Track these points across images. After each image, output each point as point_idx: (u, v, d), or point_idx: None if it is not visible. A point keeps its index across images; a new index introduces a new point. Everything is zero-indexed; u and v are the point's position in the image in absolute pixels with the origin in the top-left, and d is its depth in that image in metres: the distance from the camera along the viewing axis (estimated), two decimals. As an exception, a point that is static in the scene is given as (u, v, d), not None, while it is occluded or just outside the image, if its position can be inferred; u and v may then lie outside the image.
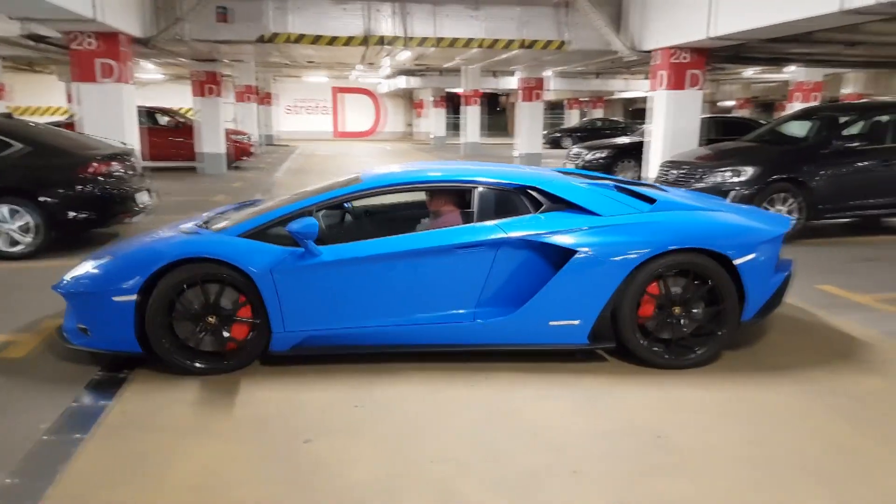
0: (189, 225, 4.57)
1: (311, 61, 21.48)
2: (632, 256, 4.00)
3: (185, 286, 3.93)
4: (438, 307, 4.11)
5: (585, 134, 29.92)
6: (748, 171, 7.99)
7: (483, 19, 11.93)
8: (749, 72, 23.79)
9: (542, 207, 4.27)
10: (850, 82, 24.67)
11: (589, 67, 21.29)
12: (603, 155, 13.99)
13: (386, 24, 11.68)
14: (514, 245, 4.08)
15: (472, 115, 25.03)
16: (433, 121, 32.34)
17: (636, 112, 45.25)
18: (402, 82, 29.75)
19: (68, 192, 6.93)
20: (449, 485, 2.89)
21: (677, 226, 4.17)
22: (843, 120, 8.78)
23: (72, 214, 6.95)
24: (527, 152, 18.06)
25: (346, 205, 5.00)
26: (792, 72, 19.63)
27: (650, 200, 4.41)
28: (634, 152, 13.91)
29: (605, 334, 4.15)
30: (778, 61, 12.69)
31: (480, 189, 4.31)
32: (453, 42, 12.07)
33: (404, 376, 4.02)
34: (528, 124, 18.28)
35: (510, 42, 12.12)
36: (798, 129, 9.81)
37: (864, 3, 6.42)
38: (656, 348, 4.13)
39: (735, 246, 4.12)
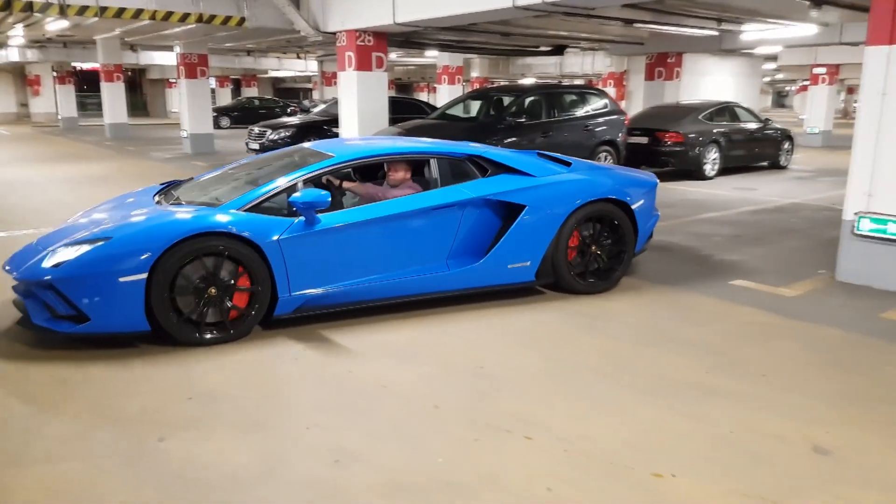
0: (148, 202, 4.76)
1: None
2: (566, 206, 5.07)
3: (188, 261, 4.03)
4: (419, 261, 4.79)
5: (242, 113, 29.50)
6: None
7: (154, -11, 11.18)
8: (392, 55, 25.82)
9: (488, 172, 5.12)
10: (476, 67, 28.34)
11: (243, 45, 21.04)
12: (288, 133, 14.19)
13: (39, -11, 10.26)
14: (475, 204, 4.91)
15: (114, 93, 22.00)
16: (61, 100, 28.04)
17: (285, 91, 45.70)
18: (13, 54, 24.86)
19: None
20: (332, 444, 3.12)
21: (593, 182, 5.32)
22: (507, 101, 10.40)
23: None
24: (197, 132, 17.31)
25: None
26: (435, 56, 21.90)
27: (566, 164, 5.54)
28: (317, 130, 14.44)
29: (545, 272, 5.15)
30: (443, 47, 14.20)
31: (437, 159, 5.05)
32: (120, 12, 11.09)
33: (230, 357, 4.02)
34: (195, 103, 17.48)
35: (186, 15, 11.56)
36: (469, 108, 11.30)
37: (532, 1, 7.75)
38: (583, 280, 5.26)
39: (631, 195, 5.38)
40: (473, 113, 11.15)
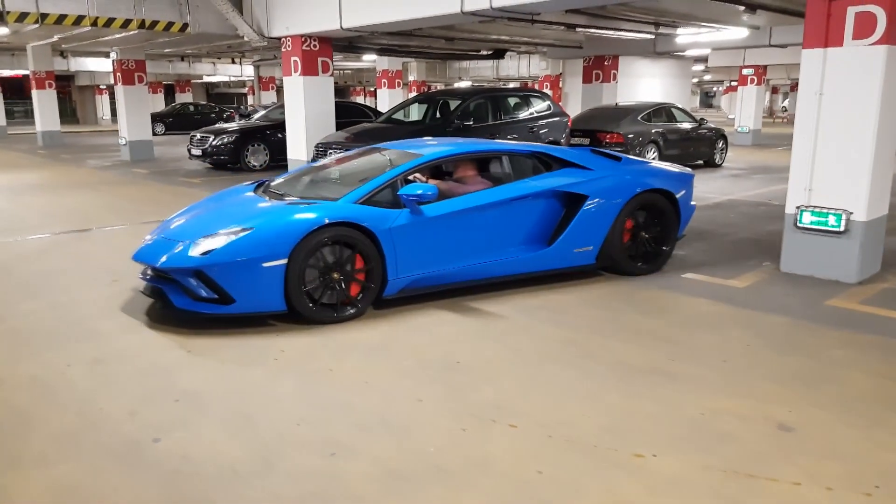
0: (258, 195, 5.34)
1: None
2: (622, 196, 5.65)
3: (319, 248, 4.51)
4: (501, 246, 5.34)
5: (176, 119, 28.85)
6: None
7: (93, -5, 10.91)
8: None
9: (553, 167, 5.66)
10: (413, 70, 28.45)
11: (181, 50, 20.66)
12: (231, 139, 13.99)
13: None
14: (546, 195, 5.48)
15: (46, 101, 21.45)
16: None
17: (218, 96, 44.86)
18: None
19: None
20: (325, 437, 3.17)
21: (644, 175, 5.95)
22: (454, 104, 10.55)
23: None
24: (136, 139, 16.87)
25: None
26: (373, 60, 21.95)
27: (617, 159, 6.06)
28: (260, 136, 14.30)
29: (603, 256, 5.71)
30: (384, 51, 14.26)
31: (509, 156, 5.68)
32: (61, 19, 10.79)
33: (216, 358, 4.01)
34: (133, 109, 17.02)
35: (128, 22, 11.31)
36: (415, 112, 11.41)
37: (479, 7, 7.92)
38: (635, 263, 5.86)
39: (675, 186, 6.00)
40: (420, 116, 11.26)
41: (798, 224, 5.93)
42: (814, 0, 5.65)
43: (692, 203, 6.38)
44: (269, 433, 3.21)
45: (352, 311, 4.72)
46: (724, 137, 14.77)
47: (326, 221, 4.53)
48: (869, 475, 2.90)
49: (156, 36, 13.22)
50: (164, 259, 4.53)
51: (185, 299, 4.49)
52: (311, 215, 4.57)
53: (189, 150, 14.65)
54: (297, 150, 11.30)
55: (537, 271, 5.50)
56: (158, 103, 34.50)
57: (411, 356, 4.15)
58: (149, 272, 4.81)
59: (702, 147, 14.22)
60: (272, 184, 5.71)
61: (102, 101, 37.97)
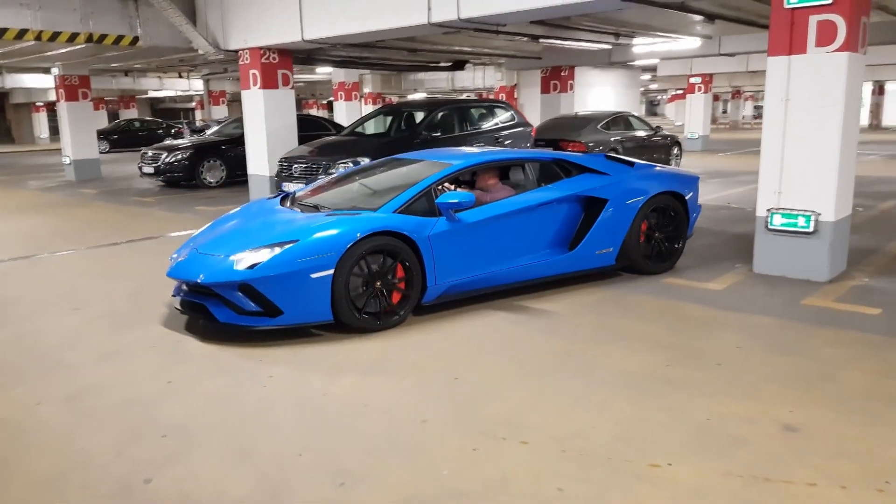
0: (292, 208, 5.41)
1: None
2: (639, 199, 5.93)
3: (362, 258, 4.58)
4: (531, 250, 5.51)
5: (121, 136, 28.14)
6: (365, 161, 9.01)
7: (37, 8, 10.48)
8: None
9: (573, 173, 5.88)
10: (369, 82, 28.34)
11: (129, 65, 20.10)
12: (185, 156, 13.64)
13: None
14: (569, 200, 5.69)
15: None
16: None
17: (164, 111, 43.89)
18: None
19: None
20: (331, 466, 3.05)
21: (657, 178, 6.21)
22: (419, 116, 10.49)
23: None
24: (81, 158, 16.33)
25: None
26: (328, 73, 21.74)
27: (630, 164, 6.31)
28: (215, 151, 13.98)
29: (622, 257, 5.94)
30: (343, 63, 14.11)
31: (531, 164, 5.99)
32: (1, 33, 10.34)
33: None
34: (77, 127, 16.47)
35: (74, 35, 10.91)
36: (379, 124, 11.32)
37: (447, 18, 7.88)
38: (651, 263, 6.10)
39: (684, 188, 6.30)
40: (384, 129, 11.17)
41: (769, 226, 6.05)
42: (777, 9, 5.78)
43: (699, 204, 6.72)
44: (271, 465, 3.06)
45: (395, 319, 4.80)
46: (678, 144, 15.09)
47: (371, 231, 4.62)
48: (878, 472, 2.93)
49: (104, 50, 12.81)
50: (206, 274, 4.55)
51: (228, 313, 4.52)
52: (355, 225, 4.64)
53: (140, 168, 14.22)
54: (259, 165, 11.06)
55: (562, 273, 5.69)
56: (101, 120, 33.55)
57: (409, 374, 4.05)
58: (184, 287, 4.86)
59: (658, 153, 14.47)
60: (298, 195, 5.85)
61: (40, 119, 36.66)
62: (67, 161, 16.45)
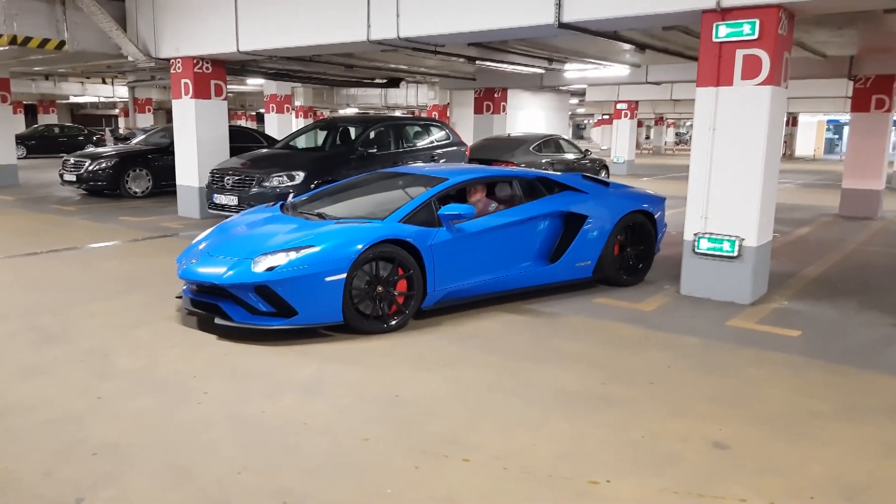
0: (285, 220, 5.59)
1: None
2: (615, 216, 6.40)
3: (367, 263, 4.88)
4: (519, 261, 5.91)
5: (39, 142, 26.95)
6: (300, 176, 8.94)
7: (-46, 6, 9.99)
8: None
9: (555, 190, 6.29)
10: (300, 96, 28.08)
11: (44, 69, 19.31)
12: (110, 164, 13.14)
13: None
14: (553, 215, 6.12)
15: None
16: None
17: (85, 118, 42.27)
18: None
19: None
20: (273, 486, 2.99)
21: (630, 198, 6.78)
22: (355, 132, 10.47)
23: None
24: (-2, 163, 15.56)
25: None
26: (260, 84, 21.46)
27: (605, 184, 6.88)
28: (141, 161, 13.55)
29: (598, 270, 6.40)
30: (277, 76, 13.94)
31: (517, 180, 6.31)
32: (-87, 32, 9.79)
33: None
34: (-7, 131, 15.69)
35: (-5, 36, 10.44)
36: (313, 139, 11.22)
37: (386, 36, 7.93)
38: (623, 276, 6.61)
39: (653, 207, 6.85)
40: (319, 143, 11.09)
41: (696, 250, 6.30)
42: (707, 42, 6.06)
43: (665, 222, 7.25)
44: (210, 484, 2.97)
45: (398, 321, 5.08)
46: (605, 167, 15.55)
47: (382, 238, 4.91)
48: (804, 487, 3.08)
49: (27, 53, 12.27)
50: (227, 276, 4.72)
51: (242, 313, 4.72)
52: (367, 233, 4.92)
53: (61, 175, 13.62)
54: (188, 176, 10.79)
55: (545, 284, 6.11)
56: (19, 125, 31.99)
57: (348, 392, 4.01)
58: (193, 288, 5.06)
59: (587, 176, 14.86)
60: (298, 203, 6.12)
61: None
62: (-21, 166, 15.61)
